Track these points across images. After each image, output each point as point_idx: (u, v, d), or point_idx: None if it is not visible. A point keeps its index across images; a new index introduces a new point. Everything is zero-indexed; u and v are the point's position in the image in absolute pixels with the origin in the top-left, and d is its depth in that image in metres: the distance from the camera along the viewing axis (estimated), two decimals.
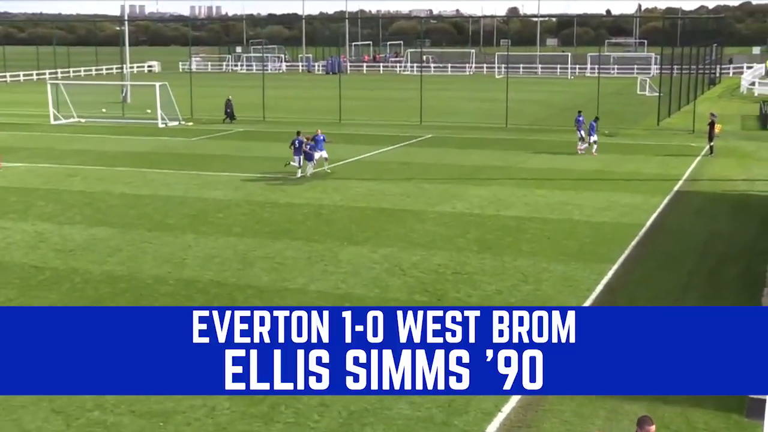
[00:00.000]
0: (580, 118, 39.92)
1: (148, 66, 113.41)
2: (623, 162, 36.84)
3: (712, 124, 39.22)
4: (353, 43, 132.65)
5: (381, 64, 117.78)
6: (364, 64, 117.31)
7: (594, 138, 39.03)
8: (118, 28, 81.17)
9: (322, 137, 33.78)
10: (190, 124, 51.61)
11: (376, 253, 22.11)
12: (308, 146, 33.04)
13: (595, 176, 33.48)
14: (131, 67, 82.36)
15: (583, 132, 39.47)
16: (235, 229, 24.81)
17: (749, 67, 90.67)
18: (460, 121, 53.63)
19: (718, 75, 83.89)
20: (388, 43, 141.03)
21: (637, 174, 33.99)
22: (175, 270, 20.75)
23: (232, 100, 53.23)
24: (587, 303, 18.28)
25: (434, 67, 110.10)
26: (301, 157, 32.96)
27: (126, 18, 76.87)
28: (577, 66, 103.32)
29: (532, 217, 26.17)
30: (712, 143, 38.99)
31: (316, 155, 33.33)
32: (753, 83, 74.29)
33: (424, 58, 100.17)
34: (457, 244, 23.11)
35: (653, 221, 25.79)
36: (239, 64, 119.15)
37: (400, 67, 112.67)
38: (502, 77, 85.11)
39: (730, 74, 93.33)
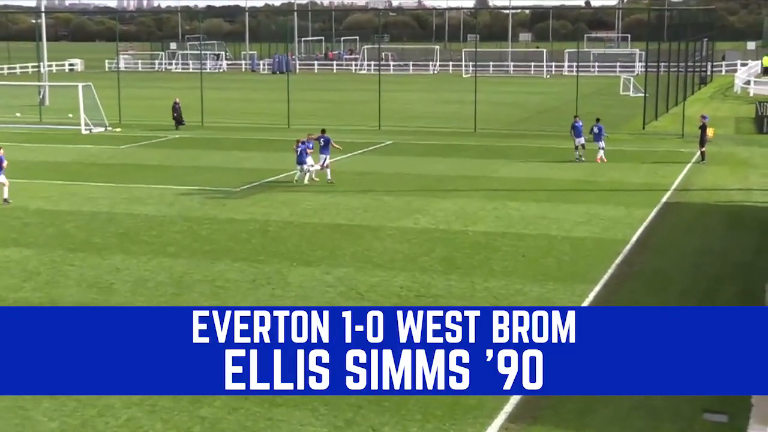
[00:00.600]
0: (578, 124, 39.33)
1: (70, 64, 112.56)
2: (605, 170, 37.17)
3: (703, 128, 39.67)
4: (303, 39, 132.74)
5: (334, 63, 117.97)
6: (315, 63, 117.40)
7: (602, 144, 38.96)
8: (34, 21, 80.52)
9: (306, 145, 33.99)
10: (118, 130, 51.27)
11: (329, 275, 22.10)
12: (300, 148, 33.50)
13: (575, 186, 33.75)
14: (50, 66, 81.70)
15: (583, 139, 39.00)
16: (169, 249, 24.67)
17: (744, 64, 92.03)
18: (423, 125, 53.82)
19: (709, 73, 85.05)
20: (342, 38, 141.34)
21: (620, 184, 34.31)
22: (102, 296, 20.57)
23: (180, 103, 52.79)
24: None
25: (394, 66, 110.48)
26: (327, 156, 33.63)
27: (43, 9, 76.25)
28: (554, 64, 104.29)
29: (504, 233, 26.30)
30: (703, 149, 39.45)
31: (307, 166, 33.82)
32: (748, 82, 75.42)
33: (383, 55, 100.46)
34: (420, 263, 23.16)
35: (639, 236, 26.03)
36: (174, 62, 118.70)
37: (356, 65, 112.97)
38: (469, 76, 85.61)
39: (723, 72, 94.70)
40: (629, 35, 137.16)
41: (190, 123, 52.66)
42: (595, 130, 39.16)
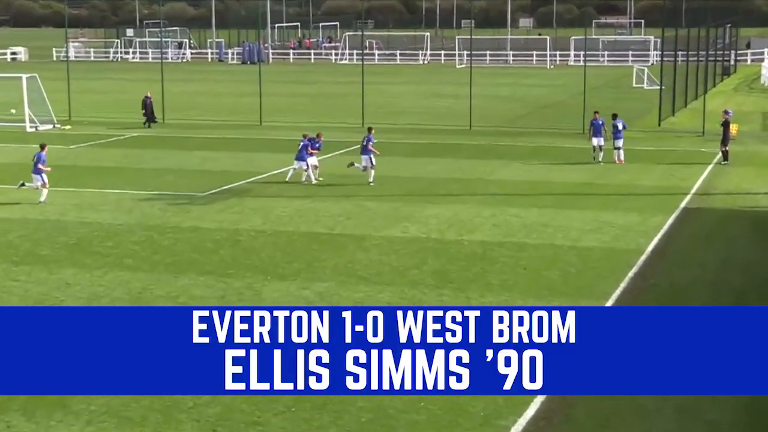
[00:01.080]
0: (600, 121, 39.06)
1: (12, 53, 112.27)
2: (616, 172, 37.29)
3: (726, 124, 39.82)
4: (276, 25, 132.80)
5: (312, 52, 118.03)
6: (291, 52, 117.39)
7: (620, 142, 38.94)
8: None
9: (311, 142, 35.03)
10: (68, 127, 51.19)
11: (307, 290, 22.12)
12: (303, 143, 34.77)
13: (582, 190, 33.85)
14: None
15: (603, 139, 38.80)
16: (126, 262, 24.65)
17: None
18: (412, 122, 53.90)
19: (733, 63, 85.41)
20: (321, 24, 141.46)
21: (634, 187, 34.44)
22: None
23: (152, 98, 52.42)
24: None
25: (379, 55, 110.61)
26: (370, 156, 34.68)
27: None
28: (558, 53, 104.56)
29: (503, 243, 26.38)
30: (726, 148, 39.60)
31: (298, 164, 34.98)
32: None
33: (366, 43, 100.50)
34: (409, 277, 23.21)
35: (655, 246, 26.13)
36: (131, 51, 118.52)
37: (336, 55, 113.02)
38: (464, 67, 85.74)
39: (748, 62, 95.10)
40: (643, 21, 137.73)
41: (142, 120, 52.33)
42: (620, 126, 38.99)
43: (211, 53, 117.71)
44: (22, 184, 32.22)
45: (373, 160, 34.75)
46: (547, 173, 37.29)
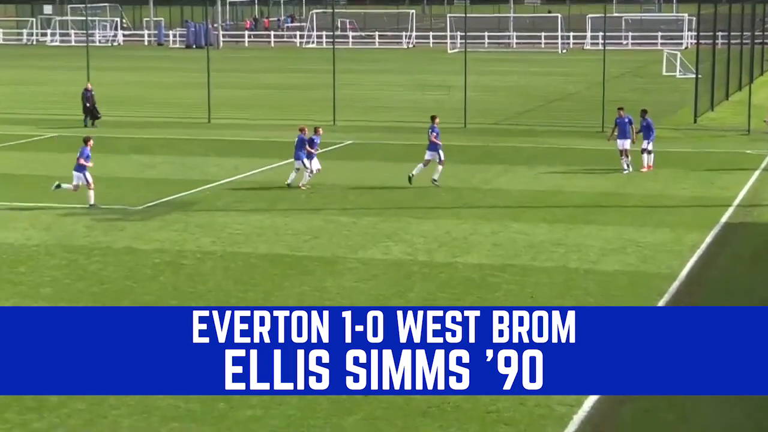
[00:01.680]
0: (626, 119, 38.23)
1: None
2: (644, 179, 37.33)
3: None
4: (228, 1, 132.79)
5: (272, 34, 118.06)
6: (246, 34, 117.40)
7: (650, 145, 38.43)
8: None
9: (309, 138, 35.60)
10: None
11: None
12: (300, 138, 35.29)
13: (602, 201, 33.89)
14: None
15: (629, 142, 37.98)
16: (44, 291, 24.55)
17: None
18: (394, 119, 53.88)
19: None
20: (283, 0, 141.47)
21: (664, 197, 34.49)
22: None
23: (93, 92, 52.03)
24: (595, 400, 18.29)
25: (353, 38, 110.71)
26: (439, 150, 35.71)
27: None
28: (572, 34, 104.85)
29: (505, 266, 26.38)
30: None
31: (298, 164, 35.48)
32: None
33: (338, 23, 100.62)
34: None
35: (690, 270, 26.14)
36: (49, 32, 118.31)
37: (302, 37, 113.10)
38: (457, 52, 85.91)
39: None
40: None
41: (71, 117, 52.28)
42: (652, 124, 38.45)
43: (149, 35, 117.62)
44: (58, 186, 32.79)
45: (442, 154, 35.78)
46: (559, 181, 37.31)
